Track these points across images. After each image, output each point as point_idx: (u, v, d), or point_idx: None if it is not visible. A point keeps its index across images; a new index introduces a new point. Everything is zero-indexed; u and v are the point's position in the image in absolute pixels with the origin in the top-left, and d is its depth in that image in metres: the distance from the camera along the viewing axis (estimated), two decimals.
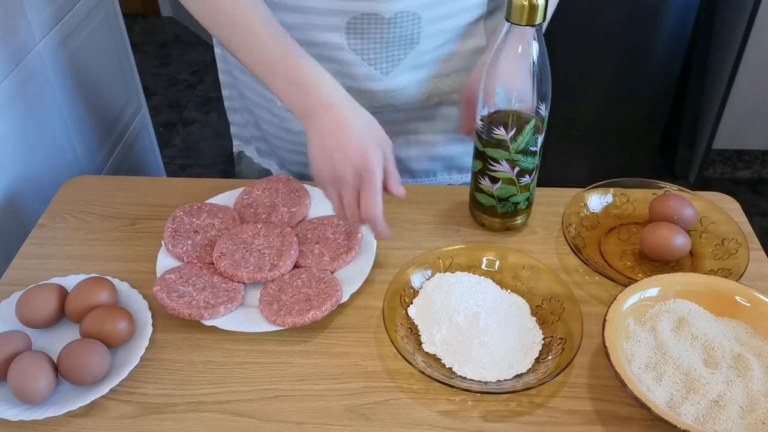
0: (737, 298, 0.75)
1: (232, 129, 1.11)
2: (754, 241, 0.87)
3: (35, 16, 1.10)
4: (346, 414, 0.69)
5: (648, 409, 0.63)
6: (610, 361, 0.67)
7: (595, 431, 0.67)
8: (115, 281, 0.80)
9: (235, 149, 1.13)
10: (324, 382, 0.72)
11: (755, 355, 0.70)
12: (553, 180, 0.90)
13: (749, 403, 0.66)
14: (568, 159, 2.07)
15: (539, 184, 0.89)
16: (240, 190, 0.93)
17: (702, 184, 2.27)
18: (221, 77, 1.06)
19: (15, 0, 1.05)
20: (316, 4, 0.82)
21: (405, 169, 1.04)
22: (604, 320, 0.71)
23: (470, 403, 0.70)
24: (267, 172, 1.08)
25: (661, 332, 0.72)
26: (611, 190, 0.91)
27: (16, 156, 1.06)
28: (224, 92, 1.07)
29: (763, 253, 0.86)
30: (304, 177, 1.03)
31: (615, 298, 0.73)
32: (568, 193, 0.92)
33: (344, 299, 0.78)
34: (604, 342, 0.69)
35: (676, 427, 0.62)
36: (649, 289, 0.75)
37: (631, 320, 0.73)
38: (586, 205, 0.90)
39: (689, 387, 0.68)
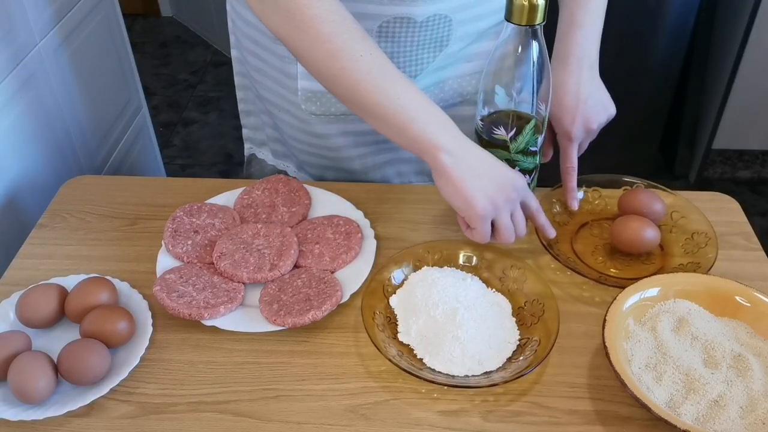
0: (737, 298, 0.75)
1: (245, 132, 1.10)
2: (754, 241, 0.87)
3: (35, 16, 1.10)
4: (346, 414, 0.69)
5: (648, 409, 0.63)
6: (610, 361, 0.67)
7: (595, 431, 0.68)
8: (115, 281, 0.80)
9: (246, 152, 1.12)
10: (324, 382, 0.72)
11: (755, 355, 0.70)
12: (553, 180, 0.90)
13: (749, 403, 0.66)
14: None
15: (539, 184, 0.89)
16: (240, 190, 0.93)
17: (702, 184, 2.27)
18: (236, 79, 1.05)
19: (15, 0, 1.05)
20: (348, 8, 0.81)
21: (425, 171, 1.03)
22: (604, 320, 0.71)
23: (470, 403, 0.70)
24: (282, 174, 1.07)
25: (661, 332, 0.72)
26: (582, 186, 0.91)
27: (16, 156, 1.06)
28: (239, 95, 1.06)
29: (763, 253, 0.86)
30: (322, 178, 1.03)
31: (615, 298, 0.73)
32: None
33: (344, 299, 0.78)
34: (604, 342, 0.69)
35: (676, 427, 0.62)
36: (649, 289, 0.75)
37: (631, 320, 0.73)
38: (558, 201, 0.90)
39: (689, 387, 0.68)
